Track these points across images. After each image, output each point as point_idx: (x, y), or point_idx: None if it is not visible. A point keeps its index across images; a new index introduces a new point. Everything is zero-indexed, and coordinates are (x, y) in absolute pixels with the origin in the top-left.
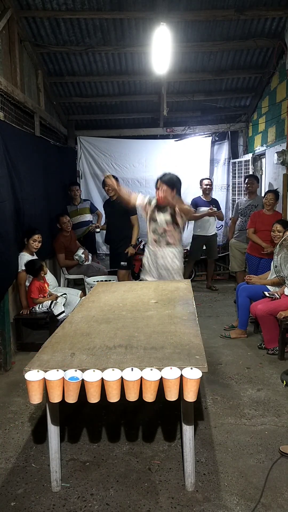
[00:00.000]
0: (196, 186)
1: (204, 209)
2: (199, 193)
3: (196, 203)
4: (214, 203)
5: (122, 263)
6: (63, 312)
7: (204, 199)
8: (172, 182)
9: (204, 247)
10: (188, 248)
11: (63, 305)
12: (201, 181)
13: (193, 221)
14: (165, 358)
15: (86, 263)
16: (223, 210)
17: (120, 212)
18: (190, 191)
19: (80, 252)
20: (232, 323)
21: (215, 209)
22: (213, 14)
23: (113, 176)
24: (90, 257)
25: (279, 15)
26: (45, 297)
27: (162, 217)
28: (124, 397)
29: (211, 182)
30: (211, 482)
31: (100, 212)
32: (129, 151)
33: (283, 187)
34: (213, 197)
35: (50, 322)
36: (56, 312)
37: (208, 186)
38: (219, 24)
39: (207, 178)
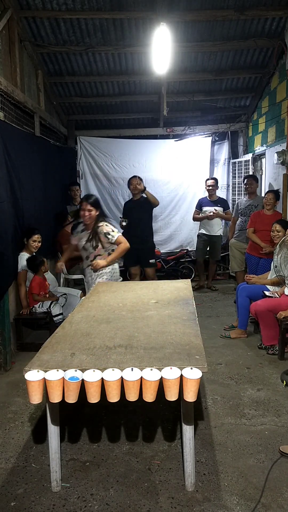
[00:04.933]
0: (196, 186)
1: (207, 208)
2: (199, 193)
3: (200, 204)
4: (221, 202)
5: (151, 260)
6: (61, 314)
7: (209, 199)
8: (97, 203)
9: (208, 247)
10: (188, 248)
11: (62, 306)
12: (205, 182)
13: (198, 221)
14: (165, 358)
15: None
16: None
17: (144, 211)
18: (190, 191)
19: None
20: (232, 323)
21: (219, 209)
22: (213, 14)
23: (138, 177)
24: None
25: (279, 15)
26: (46, 294)
27: (88, 244)
28: (124, 397)
29: (216, 181)
30: (211, 482)
31: None
32: (129, 151)
33: (283, 187)
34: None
35: (50, 322)
36: (53, 313)
37: (211, 187)
38: (219, 24)
39: (211, 178)
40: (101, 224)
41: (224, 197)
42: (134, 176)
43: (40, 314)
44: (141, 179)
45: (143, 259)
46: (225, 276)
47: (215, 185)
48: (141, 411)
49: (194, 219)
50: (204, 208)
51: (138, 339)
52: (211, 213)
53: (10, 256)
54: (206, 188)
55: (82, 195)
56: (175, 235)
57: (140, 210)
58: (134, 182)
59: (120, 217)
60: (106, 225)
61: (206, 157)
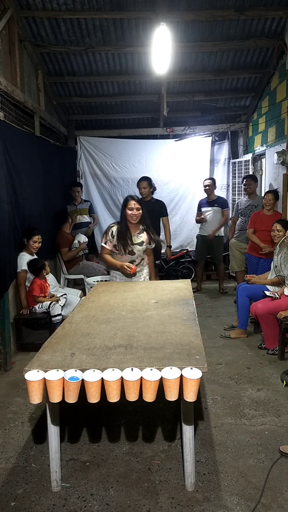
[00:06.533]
0: (196, 186)
1: (205, 209)
2: (199, 193)
3: (200, 205)
4: (218, 202)
5: (157, 262)
6: (60, 314)
7: (207, 199)
8: (141, 202)
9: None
10: (188, 248)
11: (63, 305)
12: (203, 182)
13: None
14: (165, 358)
15: (82, 245)
16: None
17: (153, 213)
18: (190, 191)
19: (76, 241)
20: (232, 323)
21: (216, 209)
22: (213, 14)
23: (148, 178)
24: (83, 237)
25: (279, 15)
26: (46, 296)
27: (140, 248)
28: (124, 397)
29: (212, 181)
30: (211, 482)
31: (96, 216)
32: (129, 151)
33: (283, 187)
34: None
35: (50, 322)
36: (52, 313)
37: (207, 187)
38: (219, 24)
39: (207, 179)
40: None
41: (224, 197)
42: (143, 180)
43: (40, 314)
44: (149, 182)
45: None
46: (225, 276)
47: (212, 185)
48: (141, 411)
49: (196, 221)
50: (203, 209)
51: (138, 339)
52: (203, 218)
53: (9, 256)
54: (203, 189)
55: (83, 195)
56: (175, 235)
57: (149, 212)
58: (141, 187)
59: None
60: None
61: (206, 157)
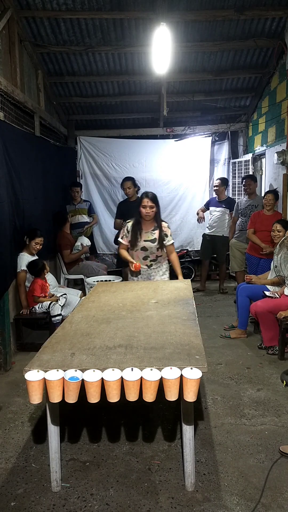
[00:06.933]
0: (196, 186)
1: (213, 208)
2: (199, 193)
3: (208, 203)
4: (226, 203)
5: None
6: (60, 315)
7: (218, 199)
8: (156, 199)
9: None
10: (188, 248)
11: (63, 305)
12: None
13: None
14: (165, 358)
15: (85, 247)
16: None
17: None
18: (190, 191)
19: (79, 243)
20: (232, 323)
21: (224, 209)
22: (213, 14)
23: (131, 178)
24: (86, 240)
25: (279, 15)
26: (46, 296)
27: (152, 245)
28: (124, 397)
29: (220, 181)
30: (211, 482)
31: (96, 216)
32: (129, 151)
33: (283, 187)
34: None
35: (50, 322)
36: (52, 313)
37: (215, 187)
38: (219, 24)
39: (217, 179)
40: (164, 224)
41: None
42: (127, 180)
43: (40, 314)
44: (133, 182)
45: None
46: (225, 276)
47: (220, 186)
48: (141, 411)
49: (197, 213)
50: (211, 208)
51: (138, 339)
52: (201, 218)
53: (9, 256)
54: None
55: (83, 195)
56: (175, 235)
57: (136, 211)
58: (125, 187)
59: (120, 219)
60: (168, 227)
61: (206, 157)
